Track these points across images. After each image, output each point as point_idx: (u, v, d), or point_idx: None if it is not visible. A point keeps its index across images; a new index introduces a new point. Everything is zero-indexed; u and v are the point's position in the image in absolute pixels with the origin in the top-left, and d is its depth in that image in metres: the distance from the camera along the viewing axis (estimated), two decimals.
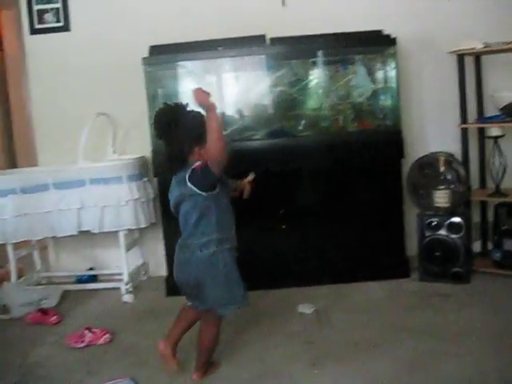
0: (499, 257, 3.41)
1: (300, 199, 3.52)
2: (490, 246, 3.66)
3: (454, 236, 3.36)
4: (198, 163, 2.21)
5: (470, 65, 3.60)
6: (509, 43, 3.30)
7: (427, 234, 3.43)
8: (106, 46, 3.84)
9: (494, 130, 3.45)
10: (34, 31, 3.91)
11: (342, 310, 3.09)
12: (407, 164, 3.56)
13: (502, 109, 3.32)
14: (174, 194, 2.34)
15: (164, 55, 3.52)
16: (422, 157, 3.53)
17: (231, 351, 2.70)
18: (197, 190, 2.22)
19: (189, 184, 2.22)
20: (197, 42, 3.52)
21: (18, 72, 4.10)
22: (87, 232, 3.55)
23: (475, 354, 2.48)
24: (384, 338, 2.70)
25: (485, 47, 3.36)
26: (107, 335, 2.91)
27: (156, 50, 3.52)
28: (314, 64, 3.70)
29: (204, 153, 2.19)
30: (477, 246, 3.74)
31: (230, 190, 2.40)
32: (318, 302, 3.21)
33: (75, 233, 3.52)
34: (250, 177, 2.54)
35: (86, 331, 2.89)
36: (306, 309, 3.12)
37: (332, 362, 2.51)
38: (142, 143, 3.67)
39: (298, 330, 2.88)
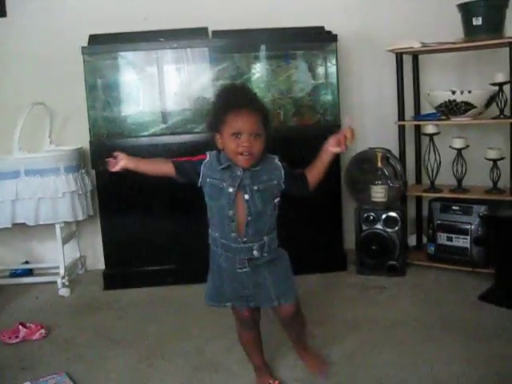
0: (433, 250, 3.52)
1: None
2: (424, 239, 3.78)
3: (390, 230, 3.45)
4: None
5: (408, 63, 3.69)
6: (445, 43, 3.40)
7: (364, 227, 3.50)
8: (44, 33, 3.72)
9: (429, 128, 3.55)
10: None
11: None
12: (346, 159, 3.62)
13: (437, 107, 3.42)
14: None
15: (104, 45, 3.46)
16: (361, 152, 3.59)
17: (170, 344, 2.69)
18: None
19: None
20: (138, 33, 3.48)
21: None
22: (22, 224, 3.45)
23: (408, 344, 2.56)
24: (321, 330, 2.75)
25: (422, 47, 3.45)
26: (42, 330, 2.84)
27: (96, 40, 3.45)
28: (256, 58, 3.71)
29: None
30: (412, 240, 3.85)
31: None
32: None
33: (9, 225, 3.42)
34: (349, 120, 2.22)
35: (21, 326, 2.82)
36: None
37: (271, 355, 2.52)
38: (79, 134, 3.59)
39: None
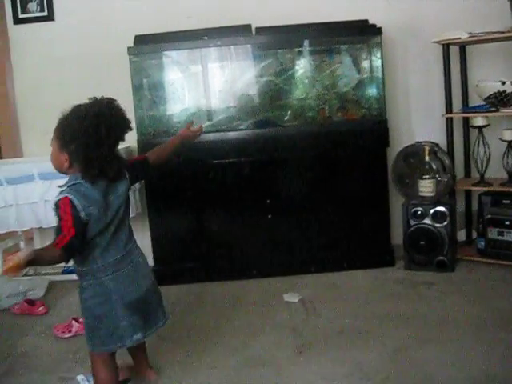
0: (483, 245, 3.45)
1: (286, 189, 3.53)
2: (474, 234, 3.70)
3: (438, 225, 3.39)
4: None
5: (455, 54, 3.62)
6: (493, 33, 3.32)
7: (412, 222, 3.46)
8: (90, 35, 3.81)
9: (478, 120, 3.47)
10: (17, 21, 3.86)
11: (327, 299, 3.12)
12: (392, 153, 3.58)
13: (486, 98, 3.34)
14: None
15: (149, 45, 3.51)
16: (407, 146, 3.55)
17: (218, 338, 2.72)
18: None
19: None
20: (182, 32, 3.52)
21: (2, 63, 4.05)
22: None
23: (458, 341, 2.52)
24: (369, 326, 2.73)
25: (470, 37, 3.37)
26: None
27: (141, 40, 3.51)
28: (300, 54, 3.70)
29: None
30: (461, 235, 3.78)
31: None
32: (304, 290, 3.24)
33: None
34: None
35: (73, 321, 2.90)
36: (291, 298, 3.14)
37: (317, 350, 2.53)
38: (127, 133, 3.65)
39: (284, 318, 2.90)
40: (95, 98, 2.09)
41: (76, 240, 1.92)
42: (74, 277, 3.68)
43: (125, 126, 2.08)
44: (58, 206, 1.93)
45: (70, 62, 3.83)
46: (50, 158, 2.04)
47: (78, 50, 3.81)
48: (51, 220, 3.47)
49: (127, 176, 2.12)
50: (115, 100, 2.12)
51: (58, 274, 3.87)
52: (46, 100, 3.87)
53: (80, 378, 2.37)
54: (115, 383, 2.18)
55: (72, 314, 3.01)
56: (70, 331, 2.87)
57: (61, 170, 2.05)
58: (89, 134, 1.94)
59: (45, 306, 3.26)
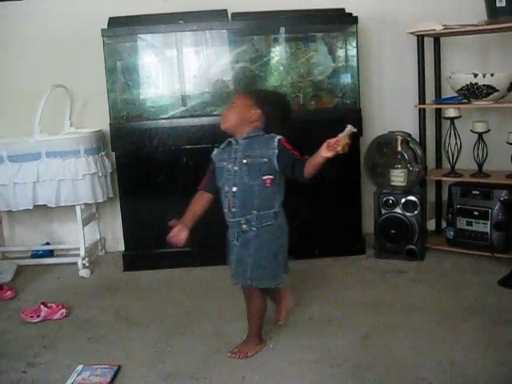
0: (452, 235, 3.50)
1: None
2: (443, 224, 3.76)
3: (409, 214, 3.43)
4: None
5: (430, 46, 3.64)
6: (467, 26, 3.35)
7: (383, 211, 3.49)
8: (63, 16, 3.74)
9: (450, 111, 3.51)
10: None
11: (298, 286, 3.13)
12: (365, 143, 3.60)
13: (458, 90, 3.38)
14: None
15: (124, 27, 3.45)
16: (380, 136, 3.57)
17: (189, 324, 2.72)
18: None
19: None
20: (157, 15, 3.48)
21: None
22: (43, 206, 3.50)
23: (425, 328, 2.56)
24: (339, 313, 2.76)
25: (444, 29, 3.39)
26: (63, 310, 2.89)
27: (115, 22, 3.45)
28: (276, 41, 3.69)
29: None
30: (431, 225, 3.83)
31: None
32: None
33: (31, 207, 3.47)
34: (348, 128, 2.16)
35: (42, 306, 2.86)
36: None
37: (287, 336, 2.55)
38: (100, 116, 3.62)
39: None
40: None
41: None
42: (43, 261, 3.70)
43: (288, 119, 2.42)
44: (282, 142, 2.25)
45: (41, 44, 3.77)
46: (227, 112, 2.34)
47: (51, 30, 3.74)
48: (20, 203, 3.44)
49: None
50: None
51: (26, 258, 3.83)
52: (16, 82, 3.80)
53: (80, 367, 2.34)
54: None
55: (40, 298, 2.99)
56: (38, 316, 2.84)
57: (243, 121, 2.30)
58: (283, 108, 2.42)
59: (13, 290, 3.22)
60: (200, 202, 2.39)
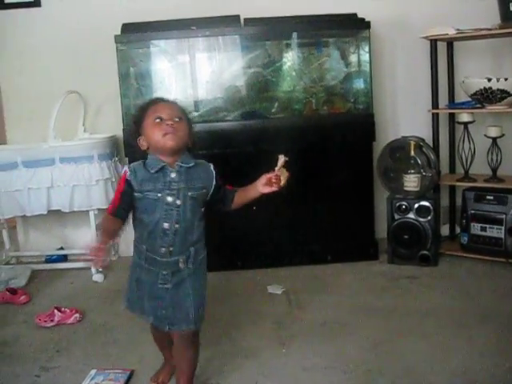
0: (466, 240, 3.48)
1: None
2: (457, 229, 3.73)
3: (422, 219, 3.41)
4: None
5: (443, 50, 3.63)
6: (481, 30, 3.33)
7: (396, 217, 3.47)
8: (77, 22, 3.77)
9: (463, 116, 3.50)
10: (3, 6, 3.81)
11: (311, 291, 3.13)
12: (378, 148, 3.59)
13: (472, 95, 3.36)
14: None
15: (137, 33, 3.47)
16: (393, 141, 3.56)
17: (201, 328, 2.72)
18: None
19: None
20: (170, 21, 3.49)
21: None
22: (57, 211, 3.52)
23: (439, 334, 2.54)
24: (351, 319, 2.75)
25: (457, 33, 3.38)
26: (77, 315, 2.90)
27: (129, 28, 3.47)
28: (288, 46, 3.69)
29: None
30: (445, 230, 3.80)
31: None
32: (288, 283, 3.25)
33: (45, 212, 3.49)
34: (282, 160, 2.03)
35: (56, 310, 2.88)
36: (275, 289, 3.15)
37: (300, 341, 2.54)
38: (113, 122, 3.65)
39: (268, 310, 2.91)
40: None
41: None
42: (57, 266, 3.72)
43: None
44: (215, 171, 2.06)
45: (56, 49, 3.80)
46: (178, 126, 1.95)
47: (65, 37, 3.78)
48: (34, 208, 3.46)
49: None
50: None
51: (40, 262, 3.85)
52: (31, 87, 3.84)
53: (93, 372, 2.35)
54: None
55: (54, 303, 3.01)
56: (52, 320, 2.86)
57: (185, 142, 2.02)
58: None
59: (27, 294, 3.24)
60: (112, 226, 2.00)
